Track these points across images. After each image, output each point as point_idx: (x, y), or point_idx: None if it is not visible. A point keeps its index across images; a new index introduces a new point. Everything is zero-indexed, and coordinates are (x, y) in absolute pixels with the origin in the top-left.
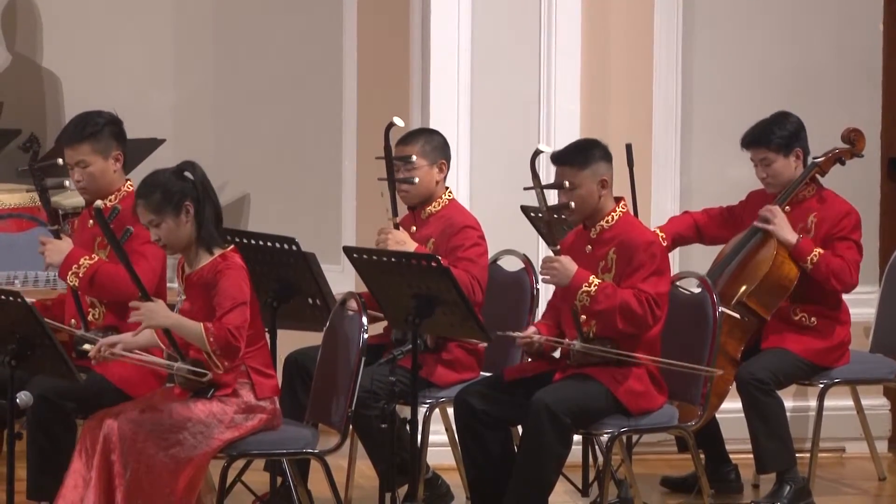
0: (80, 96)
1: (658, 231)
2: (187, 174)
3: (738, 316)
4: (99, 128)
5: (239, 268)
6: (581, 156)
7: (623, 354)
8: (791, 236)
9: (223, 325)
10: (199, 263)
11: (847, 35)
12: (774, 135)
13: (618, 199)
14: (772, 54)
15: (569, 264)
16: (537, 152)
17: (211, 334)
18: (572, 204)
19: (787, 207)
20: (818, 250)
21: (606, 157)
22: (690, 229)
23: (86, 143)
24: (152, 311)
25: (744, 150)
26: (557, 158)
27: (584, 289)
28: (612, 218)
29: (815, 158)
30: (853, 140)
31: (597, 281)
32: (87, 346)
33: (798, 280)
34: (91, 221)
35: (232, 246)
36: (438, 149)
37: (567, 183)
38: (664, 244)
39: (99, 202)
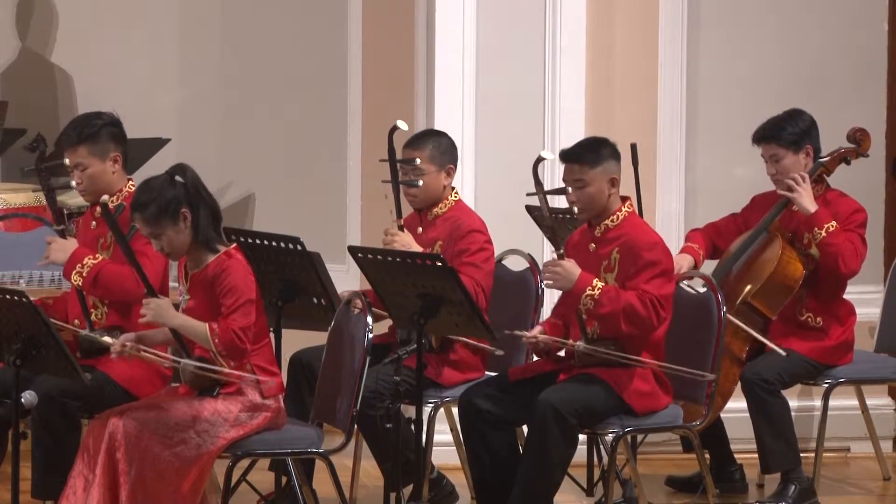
0: (87, 96)
1: (695, 246)
2: (178, 178)
3: (743, 325)
4: (96, 129)
5: (243, 265)
6: (592, 154)
7: (624, 357)
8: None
9: (229, 326)
10: (203, 262)
11: (852, 34)
12: (785, 131)
13: (623, 199)
14: (777, 53)
15: (572, 268)
16: (540, 159)
17: (216, 335)
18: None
19: (795, 206)
20: (834, 223)
21: (616, 155)
22: (710, 243)
23: (82, 146)
24: (160, 308)
25: (755, 146)
26: (568, 156)
27: (588, 293)
28: (618, 217)
29: (820, 158)
30: (859, 140)
31: (600, 284)
32: (107, 339)
33: (804, 280)
34: (94, 223)
35: (234, 244)
36: (447, 153)
37: (570, 188)
38: (700, 254)
39: (105, 197)
